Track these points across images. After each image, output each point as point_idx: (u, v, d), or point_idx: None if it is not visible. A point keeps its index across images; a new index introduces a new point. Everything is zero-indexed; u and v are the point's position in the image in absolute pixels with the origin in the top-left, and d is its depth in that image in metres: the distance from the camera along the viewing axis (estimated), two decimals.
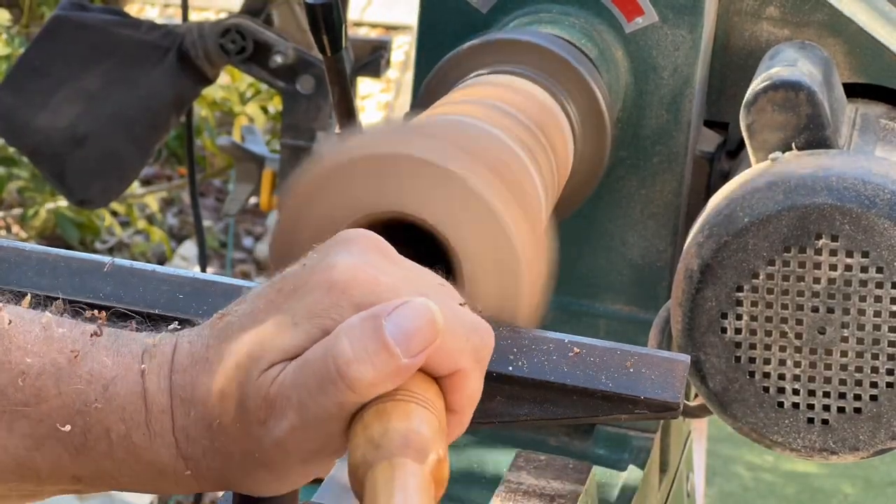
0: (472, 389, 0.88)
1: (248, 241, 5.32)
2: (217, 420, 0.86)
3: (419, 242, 1.06)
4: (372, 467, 0.80)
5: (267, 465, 0.87)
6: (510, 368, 0.97)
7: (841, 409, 1.34)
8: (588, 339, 0.99)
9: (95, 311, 0.93)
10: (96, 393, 0.87)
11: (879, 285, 1.30)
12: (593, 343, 0.99)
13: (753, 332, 1.33)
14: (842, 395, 1.34)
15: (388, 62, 3.21)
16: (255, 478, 0.88)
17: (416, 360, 0.83)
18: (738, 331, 1.33)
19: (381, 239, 0.91)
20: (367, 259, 0.88)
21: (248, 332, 0.86)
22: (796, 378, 1.34)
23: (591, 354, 0.98)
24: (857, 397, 1.33)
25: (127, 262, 1.03)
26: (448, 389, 0.87)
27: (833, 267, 1.31)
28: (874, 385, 1.33)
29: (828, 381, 1.33)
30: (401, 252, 1.00)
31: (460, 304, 0.90)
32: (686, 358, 0.98)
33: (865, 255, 1.30)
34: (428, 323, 0.83)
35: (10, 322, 0.88)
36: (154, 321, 0.98)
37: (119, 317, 1.00)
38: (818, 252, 1.31)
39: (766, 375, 1.34)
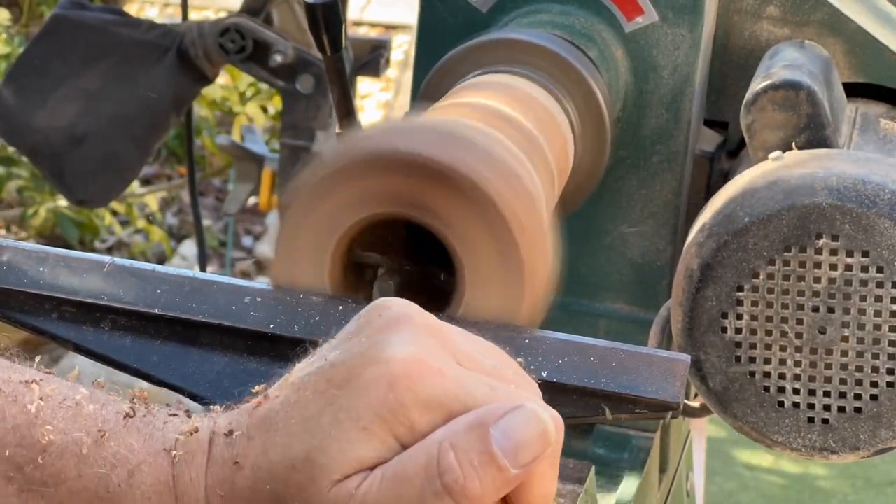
0: (547, 489, 0.83)
1: (247, 241, 5.32)
2: None
3: (421, 242, 1.06)
4: None
5: None
6: None
7: (841, 409, 1.34)
8: (588, 338, 0.99)
9: (137, 391, 0.87)
10: (120, 479, 0.81)
11: (880, 285, 1.30)
12: (593, 343, 0.98)
13: (754, 332, 1.33)
14: (842, 395, 1.33)
15: (387, 61, 3.21)
16: None
17: (524, 470, 0.79)
18: (738, 330, 1.33)
19: (432, 316, 0.85)
20: (426, 348, 0.81)
21: (301, 430, 0.80)
22: (797, 377, 1.34)
23: (591, 354, 0.97)
24: (858, 397, 1.33)
25: (127, 262, 1.03)
26: (521, 489, 0.82)
27: (833, 266, 1.31)
28: (875, 384, 1.33)
29: (828, 380, 1.33)
30: (403, 252, 1.00)
31: (521, 375, 0.86)
32: (686, 357, 0.98)
33: (866, 254, 1.30)
34: (540, 435, 0.79)
35: (41, 398, 0.83)
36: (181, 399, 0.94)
37: (119, 314, 0.99)
38: (818, 252, 1.31)
39: (767, 375, 1.34)
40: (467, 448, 0.78)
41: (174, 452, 0.82)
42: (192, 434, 0.83)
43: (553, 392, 0.96)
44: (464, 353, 0.84)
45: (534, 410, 0.79)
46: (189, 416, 0.85)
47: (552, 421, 0.80)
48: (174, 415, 0.85)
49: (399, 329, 0.82)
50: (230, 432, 0.82)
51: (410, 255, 1.08)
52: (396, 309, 0.84)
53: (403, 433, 0.80)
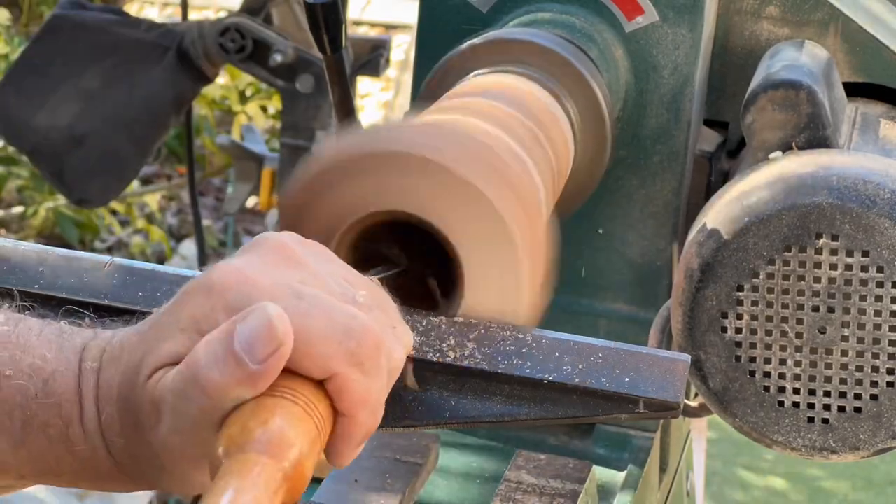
0: (356, 393, 0.86)
1: (247, 240, 5.32)
2: (123, 424, 0.87)
3: (421, 242, 1.06)
4: (226, 459, 0.80)
5: (165, 469, 0.88)
6: (510, 368, 0.96)
7: (841, 409, 1.34)
8: (588, 338, 0.99)
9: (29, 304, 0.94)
10: (36, 388, 0.88)
11: (880, 284, 1.30)
12: (593, 343, 0.98)
13: (754, 332, 1.33)
14: (842, 395, 1.33)
15: (387, 61, 3.21)
16: (163, 481, 0.89)
17: (265, 366, 0.82)
18: (738, 330, 1.33)
19: (298, 238, 0.91)
20: (258, 260, 0.88)
21: (140, 338, 0.88)
22: (797, 377, 1.34)
23: (592, 354, 0.97)
24: (858, 396, 1.33)
25: (126, 262, 1.03)
26: (331, 393, 0.86)
27: (833, 266, 1.31)
28: (874, 384, 1.33)
29: (828, 380, 1.33)
30: (400, 251, 1.00)
31: (378, 307, 0.89)
32: (686, 357, 0.98)
33: (866, 254, 1.30)
34: (267, 328, 0.82)
35: None
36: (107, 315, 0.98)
37: (118, 313, 0.99)
38: (818, 251, 1.31)
39: (767, 375, 1.34)
40: (214, 342, 0.83)
41: (80, 362, 0.89)
42: (93, 341, 0.90)
43: (553, 392, 0.96)
44: (312, 273, 0.89)
45: (264, 306, 0.83)
46: (93, 330, 0.92)
47: (280, 318, 0.83)
48: (81, 327, 0.92)
49: (248, 248, 0.90)
50: (118, 341, 0.89)
51: (412, 256, 1.08)
52: (262, 234, 0.91)
53: (208, 332, 0.85)
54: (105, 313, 0.99)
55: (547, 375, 0.96)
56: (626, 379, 0.96)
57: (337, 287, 0.89)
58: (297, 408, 0.84)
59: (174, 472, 0.88)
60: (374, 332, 0.87)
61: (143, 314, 0.94)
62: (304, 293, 0.86)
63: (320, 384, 0.86)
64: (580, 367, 0.97)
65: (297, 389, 0.84)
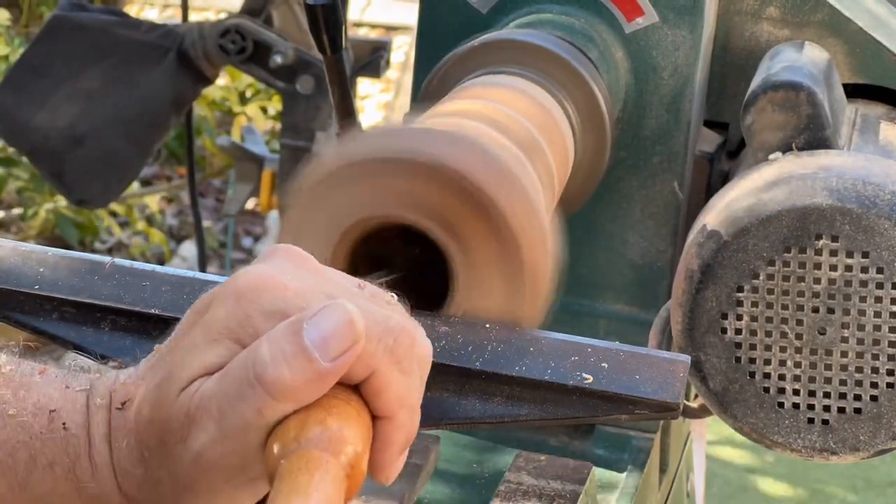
0: (396, 392, 0.85)
1: (247, 241, 5.32)
2: (146, 449, 0.85)
3: (422, 242, 1.06)
4: (286, 458, 0.80)
5: (191, 489, 0.85)
6: (510, 368, 0.96)
7: (841, 410, 1.34)
8: (588, 339, 0.99)
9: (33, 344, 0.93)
10: (41, 425, 0.86)
11: (880, 286, 1.30)
12: (594, 343, 0.98)
13: (754, 333, 1.33)
14: (842, 396, 1.33)
15: (387, 62, 3.21)
16: (183, 502, 0.86)
17: (336, 363, 0.81)
18: (738, 331, 1.33)
19: (301, 250, 0.90)
20: (277, 266, 0.87)
21: (169, 355, 0.86)
22: (796, 378, 1.34)
23: (591, 355, 0.97)
24: (858, 397, 1.33)
25: (127, 262, 1.03)
26: (369, 395, 0.85)
27: (833, 267, 1.31)
28: (874, 385, 1.33)
29: (828, 381, 1.33)
30: (402, 254, 1.00)
31: (388, 303, 0.89)
32: (686, 358, 0.98)
33: (866, 255, 1.30)
34: (346, 325, 0.82)
35: None
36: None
37: (119, 315, 0.99)
38: (818, 252, 1.31)
39: (767, 376, 1.34)
40: (280, 340, 0.81)
41: (88, 398, 0.87)
42: (99, 379, 0.88)
43: (553, 392, 0.96)
44: (329, 278, 0.88)
45: (342, 305, 0.82)
46: (99, 372, 0.90)
47: (360, 316, 0.82)
48: (85, 370, 0.91)
49: (261, 259, 0.88)
50: (129, 375, 0.88)
51: (411, 256, 1.08)
52: (271, 248, 0.89)
53: (249, 341, 0.83)
54: (106, 314, 0.99)
55: (547, 376, 0.96)
56: (627, 380, 0.96)
57: (349, 285, 0.89)
58: (350, 407, 0.83)
59: (200, 489, 0.85)
60: (409, 330, 0.86)
61: (161, 318, 0.93)
62: (335, 295, 0.85)
63: (355, 390, 0.85)
64: (580, 367, 0.97)
65: (341, 391, 0.84)
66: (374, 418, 0.85)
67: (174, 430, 0.84)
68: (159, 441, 0.85)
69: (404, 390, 0.85)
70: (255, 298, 0.84)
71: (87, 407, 0.87)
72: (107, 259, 1.03)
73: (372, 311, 0.85)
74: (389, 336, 0.85)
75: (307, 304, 0.83)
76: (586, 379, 0.96)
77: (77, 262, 1.03)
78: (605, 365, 0.97)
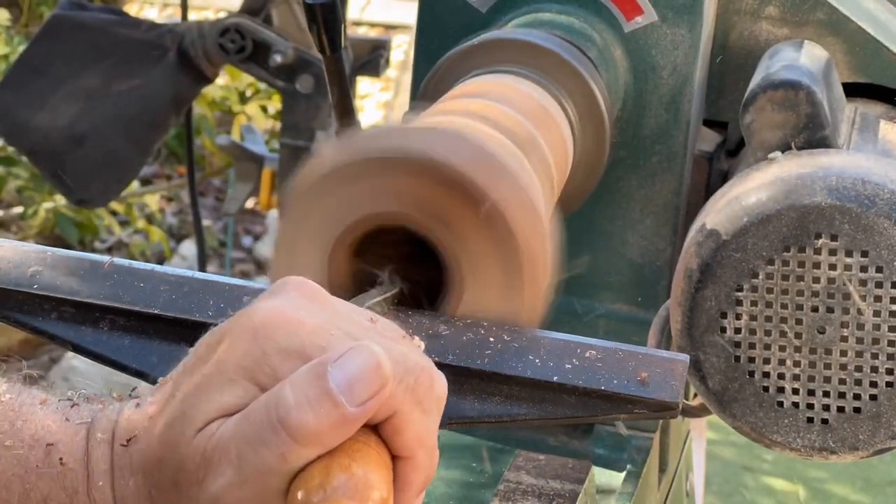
0: (416, 432, 0.84)
1: (247, 241, 5.32)
2: (154, 488, 0.83)
3: (421, 241, 1.06)
4: None
5: None
6: (508, 368, 0.96)
7: (840, 409, 1.34)
8: (587, 338, 0.99)
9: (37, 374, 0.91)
10: (37, 458, 0.84)
11: (879, 285, 1.30)
12: (592, 343, 0.98)
13: (753, 332, 1.33)
14: (841, 395, 1.33)
15: (387, 61, 3.21)
16: None
17: (364, 408, 0.80)
18: (737, 330, 1.33)
19: (312, 283, 0.87)
20: (290, 301, 0.84)
21: (181, 392, 0.83)
22: (796, 377, 1.34)
23: (590, 354, 0.97)
24: (857, 397, 1.33)
25: (126, 262, 1.03)
26: (389, 435, 0.83)
27: (832, 266, 1.31)
28: (874, 384, 1.33)
29: (827, 380, 1.33)
30: (399, 256, 0.99)
31: (402, 338, 0.87)
32: (685, 358, 0.97)
33: (865, 254, 1.30)
34: (373, 368, 0.80)
35: None
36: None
37: (117, 314, 0.99)
38: (818, 252, 1.31)
39: (766, 375, 1.34)
40: (304, 384, 0.79)
41: (88, 432, 0.85)
42: (102, 411, 0.86)
43: (552, 392, 0.96)
44: (339, 312, 0.86)
45: (368, 347, 0.80)
46: (101, 403, 0.88)
47: (388, 359, 0.81)
48: (88, 400, 0.88)
49: (273, 293, 0.86)
50: (134, 408, 0.85)
51: (414, 262, 1.08)
52: (280, 281, 0.87)
53: (266, 381, 0.81)
54: (105, 314, 0.99)
55: (545, 375, 0.96)
56: (625, 379, 0.96)
57: (364, 321, 0.87)
58: (371, 450, 0.82)
59: None
60: (428, 370, 0.84)
61: (160, 318, 0.92)
62: (354, 333, 0.83)
63: (373, 430, 0.83)
64: (579, 367, 0.97)
65: (361, 433, 0.82)
66: (393, 458, 0.83)
67: (189, 472, 0.82)
68: (172, 482, 0.83)
69: (424, 430, 0.84)
70: (271, 335, 0.82)
71: (86, 441, 0.85)
72: (105, 258, 1.03)
73: (391, 350, 0.83)
74: (410, 376, 0.83)
75: (326, 342, 0.82)
76: (585, 379, 0.96)
77: (75, 261, 1.03)
78: (604, 365, 0.97)
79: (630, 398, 0.95)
